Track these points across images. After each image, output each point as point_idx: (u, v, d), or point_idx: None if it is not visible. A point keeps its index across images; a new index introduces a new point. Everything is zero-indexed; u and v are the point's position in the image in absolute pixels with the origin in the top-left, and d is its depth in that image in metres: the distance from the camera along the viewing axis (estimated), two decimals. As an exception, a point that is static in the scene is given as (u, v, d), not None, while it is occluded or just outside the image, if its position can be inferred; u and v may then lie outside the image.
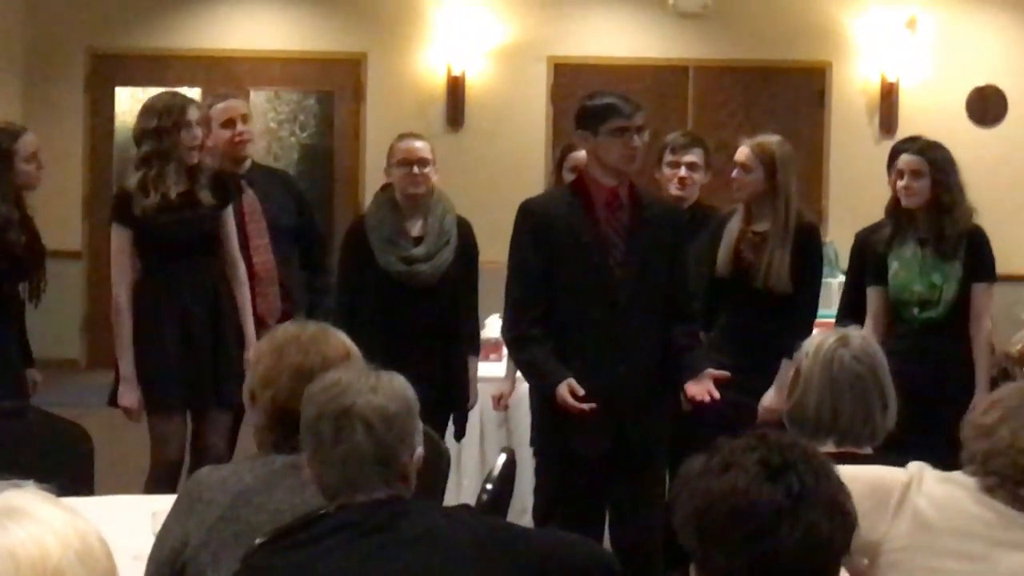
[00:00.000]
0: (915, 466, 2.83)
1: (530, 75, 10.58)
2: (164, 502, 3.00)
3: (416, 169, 5.21)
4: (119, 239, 5.12)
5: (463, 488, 5.75)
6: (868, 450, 3.16)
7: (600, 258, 4.46)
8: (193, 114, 5.14)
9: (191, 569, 2.71)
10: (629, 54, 10.58)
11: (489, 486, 3.91)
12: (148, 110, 5.15)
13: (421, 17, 10.55)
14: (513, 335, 4.60)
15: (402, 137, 5.35)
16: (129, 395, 5.09)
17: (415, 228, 5.25)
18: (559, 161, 5.80)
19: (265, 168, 6.13)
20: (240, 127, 5.54)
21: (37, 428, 4.32)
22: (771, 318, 5.01)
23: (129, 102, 10.57)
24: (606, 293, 4.46)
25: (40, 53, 10.65)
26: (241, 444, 5.37)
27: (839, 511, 1.96)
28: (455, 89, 10.54)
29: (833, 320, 5.40)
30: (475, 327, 5.52)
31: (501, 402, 5.75)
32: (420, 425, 2.59)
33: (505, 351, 5.40)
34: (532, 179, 9.47)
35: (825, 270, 5.72)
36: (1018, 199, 10.22)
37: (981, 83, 10.53)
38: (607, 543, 4.53)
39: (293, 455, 2.68)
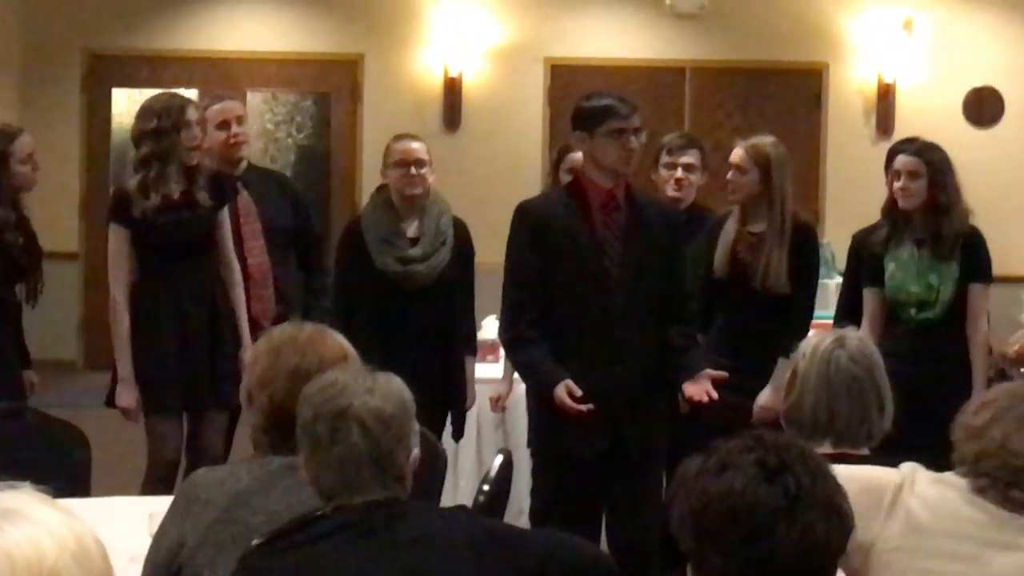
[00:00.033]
0: (907, 467, 2.83)
1: (527, 76, 10.58)
2: (161, 503, 3.00)
3: (413, 170, 5.21)
4: (117, 239, 5.12)
5: (460, 489, 5.75)
6: (865, 451, 3.16)
7: (596, 259, 4.46)
8: (192, 114, 5.14)
9: (188, 570, 2.71)
10: (626, 55, 10.59)
11: (486, 487, 3.91)
12: (147, 111, 5.15)
13: (418, 18, 10.55)
14: (510, 336, 4.60)
15: (398, 138, 5.35)
16: (127, 395, 5.09)
17: (411, 229, 5.26)
18: (556, 162, 5.80)
19: (261, 170, 6.13)
20: (235, 129, 5.54)
21: (34, 429, 4.32)
22: (769, 319, 5.02)
23: (126, 103, 10.57)
24: (603, 294, 4.46)
25: (37, 54, 10.64)
26: (237, 444, 5.37)
27: (836, 512, 1.96)
28: (452, 90, 10.54)
29: (830, 321, 5.41)
30: (472, 327, 5.52)
31: (499, 404, 5.76)
32: (416, 426, 2.59)
33: (502, 352, 5.40)
34: (529, 180, 9.48)
35: (822, 271, 5.73)
36: (1015, 200, 10.23)
37: (978, 84, 10.54)
38: (604, 544, 4.53)
39: (290, 456, 2.68)
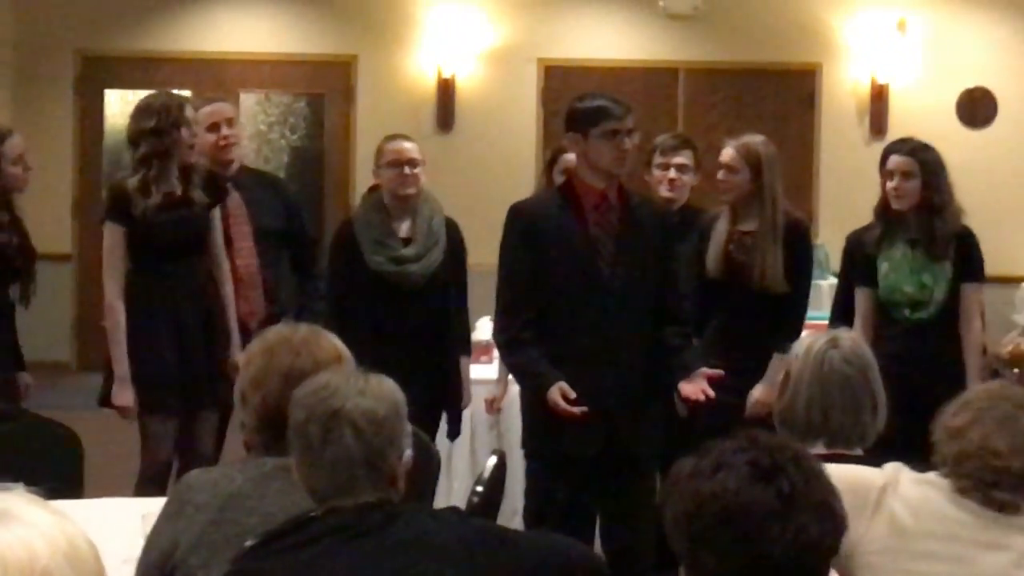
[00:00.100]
0: (891, 467, 2.84)
1: (520, 77, 10.58)
2: (154, 505, 3.00)
3: (407, 170, 5.22)
4: (112, 237, 5.11)
5: (454, 490, 5.75)
6: (858, 451, 3.16)
7: (589, 260, 4.46)
8: (189, 112, 5.15)
9: (181, 572, 2.70)
10: (619, 56, 10.59)
11: (479, 488, 3.91)
12: (144, 110, 5.14)
13: (411, 19, 10.55)
14: (504, 338, 4.60)
15: (390, 138, 5.36)
16: (125, 394, 5.07)
17: (403, 229, 5.26)
18: (549, 163, 5.80)
19: (254, 172, 6.12)
20: (225, 131, 5.53)
21: (27, 431, 4.31)
22: (764, 318, 5.02)
23: (119, 104, 10.57)
24: (596, 295, 4.46)
25: (29, 56, 10.63)
26: (228, 445, 5.38)
27: (829, 513, 1.96)
28: (445, 91, 10.54)
29: (822, 322, 5.41)
30: (466, 327, 5.53)
31: (494, 405, 5.76)
32: (409, 428, 2.58)
33: (496, 353, 5.40)
34: (522, 181, 9.48)
35: (815, 272, 5.74)
36: (1008, 201, 10.24)
37: (971, 85, 10.55)
38: (598, 546, 4.53)
39: (284, 457, 2.67)
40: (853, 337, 3.37)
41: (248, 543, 2.49)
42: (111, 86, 10.72)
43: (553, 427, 4.38)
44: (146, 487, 5.01)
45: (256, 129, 10.77)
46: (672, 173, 5.46)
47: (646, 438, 4.54)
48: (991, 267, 5.39)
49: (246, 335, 5.12)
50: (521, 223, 4.53)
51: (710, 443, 2.02)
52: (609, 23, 10.62)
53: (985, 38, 10.56)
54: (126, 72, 10.61)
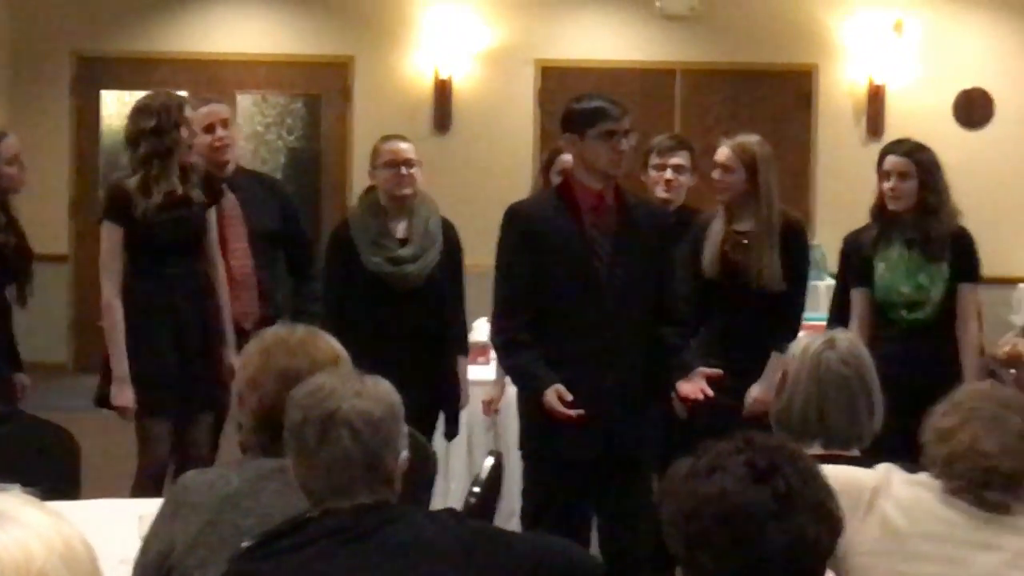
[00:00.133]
0: (883, 468, 2.85)
1: (517, 78, 10.58)
2: (151, 506, 3.00)
3: (404, 170, 5.22)
4: (111, 236, 5.10)
5: (451, 491, 5.75)
6: (855, 452, 3.16)
7: (586, 261, 4.46)
8: (188, 112, 5.16)
9: (177, 573, 2.70)
10: (616, 57, 10.59)
11: (476, 489, 3.90)
12: (143, 109, 5.13)
13: (408, 20, 10.55)
14: (501, 339, 4.59)
15: (386, 139, 5.36)
16: (125, 394, 5.05)
17: (399, 230, 5.26)
18: (545, 164, 5.78)
19: (250, 173, 6.11)
20: (220, 132, 5.52)
21: (23, 432, 4.31)
22: (762, 318, 5.03)
23: (115, 105, 10.57)
24: (593, 296, 4.45)
25: (25, 57, 10.62)
26: (224, 446, 5.38)
27: (826, 513, 1.96)
28: (442, 92, 10.54)
29: (819, 323, 5.41)
30: (463, 327, 5.53)
31: (491, 407, 5.76)
32: (405, 429, 2.58)
33: (493, 355, 5.40)
34: (520, 182, 9.44)
35: (812, 273, 5.74)
36: (1005, 201, 10.25)
37: (968, 86, 10.56)
38: (596, 548, 4.53)
39: (280, 458, 2.67)
40: (850, 338, 3.37)
41: (244, 544, 2.49)
42: (107, 87, 10.72)
43: (550, 429, 4.38)
44: (143, 488, 5.00)
45: (253, 130, 10.77)
46: (668, 174, 5.46)
47: (644, 439, 4.54)
48: (988, 268, 5.39)
49: (240, 336, 5.13)
50: (518, 224, 4.53)
51: (707, 444, 2.02)
52: (606, 24, 10.62)
53: (982, 39, 10.57)
54: (123, 73, 10.60)
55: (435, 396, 5.27)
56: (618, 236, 4.49)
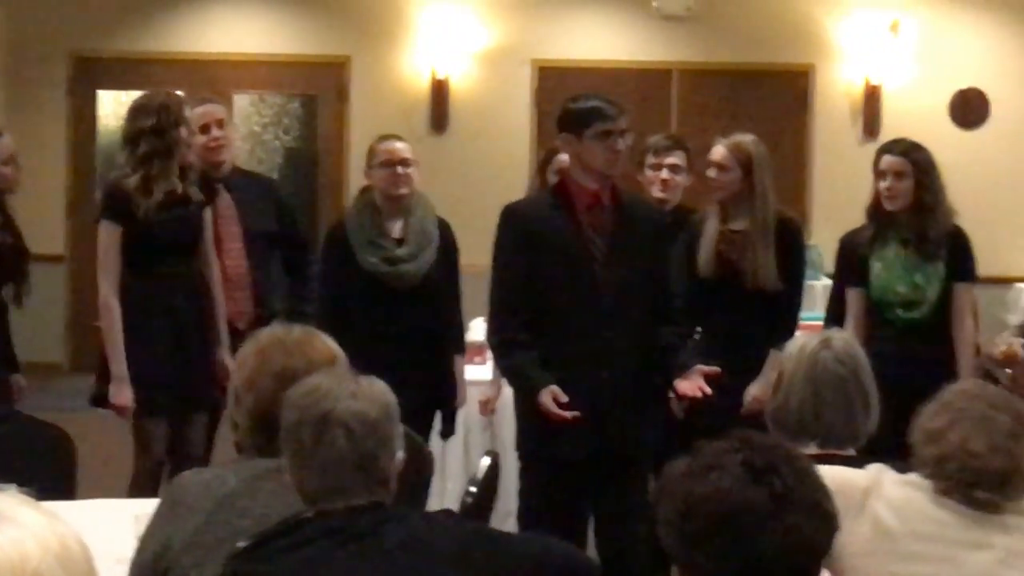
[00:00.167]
0: (874, 468, 2.85)
1: (514, 78, 10.58)
2: (147, 506, 3.00)
3: (399, 170, 5.22)
4: (109, 236, 5.09)
5: (447, 491, 5.75)
6: (851, 452, 3.17)
7: (582, 261, 4.46)
8: (187, 111, 5.16)
9: (174, 573, 2.70)
10: (613, 57, 10.59)
11: (473, 489, 3.90)
12: (142, 109, 5.13)
13: (405, 20, 10.55)
14: (497, 340, 4.59)
15: (382, 139, 5.36)
16: (124, 393, 5.04)
17: (396, 229, 5.26)
18: (542, 164, 5.79)
19: (246, 173, 6.11)
20: (215, 132, 5.52)
21: (20, 432, 4.31)
22: (758, 317, 5.03)
23: (112, 105, 10.56)
24: (589, 295, 4.45)
25: (22, 57, 10.62)
26: (218, 446, 5.38)
27: (821, 513, 1.96)
28: (439, 92, 10.54)
29: (816, 323, 5.41)
30: (459, 326, 5.53)
31: (488, 406, 5.76)
32: (400, 429, 2.58)
33: (490, 355, 5.40)
34: (516, 182, 9.44)
35: (808, 273, 5.74)
36: (1000, 201, 10.26)
37: (964, 86, 10.57)
38: (591, 548, 4.53)
39: (277, 458, 2.67)
40: (846, 337, 3.38)
41: (240, 544, 2.49)
42: (104, 87, 10.71)
43: (547, 429, 4.38)
44: (139, 488, 5.00)
45: (250, 130, 10.77)
46: (665, 174, 5.47)
47: (641, 439, 4.54)
48: (984, 268, 5.39)
49: (234, 336, 5.13)
50: (514, 224, 4.53)
51: (703, 443, 2.02)
52: (603, 24, 10.62)
53: (978, 39, 10.58)
54: (119, 73, 10.59)
55: (432, 396, 5.27)
56: (614, 236, 4.50)
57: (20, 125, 9.15)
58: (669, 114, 10.56)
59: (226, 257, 5.42)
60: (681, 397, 4.49)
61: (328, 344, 2.92)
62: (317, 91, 10.81)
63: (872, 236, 5.21)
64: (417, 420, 4.63)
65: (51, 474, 4.03)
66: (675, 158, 5.48)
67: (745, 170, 5.08)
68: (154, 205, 5.02)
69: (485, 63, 10.57)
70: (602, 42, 10.61)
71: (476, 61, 10.56)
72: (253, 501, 2.71)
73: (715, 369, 4.49)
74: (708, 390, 4.40)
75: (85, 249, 8.31)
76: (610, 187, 4.54)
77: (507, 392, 5.38)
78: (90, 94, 10.72)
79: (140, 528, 2.87)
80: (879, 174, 5.20)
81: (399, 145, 5.27)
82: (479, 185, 10.07)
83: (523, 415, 4.61)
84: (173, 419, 5.15)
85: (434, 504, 4.84)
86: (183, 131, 5.08)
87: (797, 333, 4.67)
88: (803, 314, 5.36)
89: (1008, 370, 5.11)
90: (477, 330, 6.17)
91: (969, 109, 10.57)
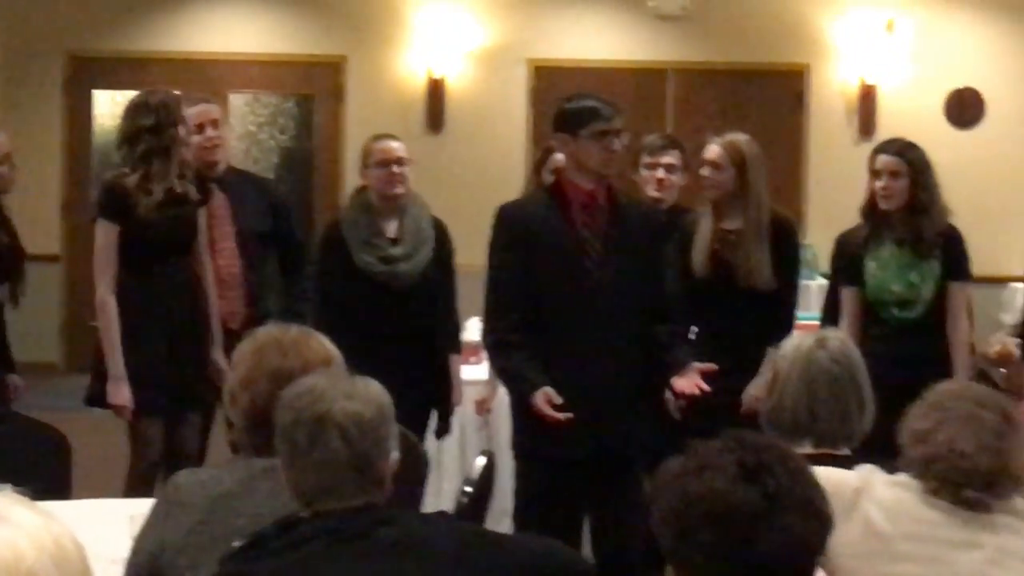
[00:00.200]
0: (864, 469, 2.85)
1: (510, 78, 10.58)
2: (142, 506, 2.99)
3: (395, 169, 5.22)
4: (106, 235, 5.08)
5: (443, 491, 5.74)
6: (846, 451, 3.17)
7: (577, 260, 4.46)
8: (184, 110, 5.16)
9: (169, 573, 2.70)
10: (608, 56, 10.59)
11: (468, 488, 3.91)
12: (140, 107, 5.12)
13: (401, 20, 10.54)
14: (492, 340, 4.59)
15: (377, 138, 5.36)
16: (121, 393, 5.03)
17: (391, 229, 5.26)
18: (538, 163, 5.79)
19: (241, 173, 6.10)
20: (210, 132, 5.51)
21: (15, 432, 4.31)
22: (753, 317, 5.03)
23: (107, 105, 10.56)
24: (584, 295, 4.45)
25: (17, 57, 10.61)
26: (213, 446, 5.38)
27: (815, 512, 1.97)
28: (435, 92, 10.54)
29: (812, 322, 5.42)
30: (455, 326, 5.53)
31: (483, 406, 5.76)
32: (395, 430, 2.58)
33: (485, 354, 5.40)
34: (512, 182, 9.46)
35: (803, 272, 5.75)
36: (996, 201, 10.27)
37: (959, 85, 10.57)
38: (588, 549, 4.53)
39: (273, 458, 2.67)
40: (841, 337, 3.38)
41: (235, 544, 2.49)
42: (99, 87, 10.71)
43: (542, 429, 4.37)
44: (134, 488, 5.00)
45: (245, 130, 10.77)
46: (660, 173, 5.47)
47: (636, 439, 4.53)
48: (979, 267, 5.40)
49: (227, 336, 5.13)
50: (509, 224, 4.53)
51: (697, 443, 2.02)
52: (598, 24, 10.63)
53: (973, 39, 10.59)
54: (115, 73, 10.59)
55: (427, 395, 5.27)
56: (609, 236, 4.50)
57: (16, 124, 9.14)
58: (664, 114, 10.56)
59: (219, 257, 5.42)
60: (678, 395, 4.49)
61: (324, 344, 2.91)
62: (313, 91, 10.81)
63: (867, 236, 5.22)
64: (413, 419, 4.64)
65: (46, 474, 4.03)
66: (670, 158, 5.49)
67: (739, 169, 5.09)
68: (153, 204, 5.02)
69: (481, 63, 10.57)
70: (598, 42, 10.61)
71: (472, 61, 10.57)
72: (248, 501, 2.71)
73: (712, 366, 4.49)
74: (705, 387, 4.40)
75: (81, 249, 8.32)
76: (606, 187, 4.54)
77: (503, 392, 5.38)
78: (86, 94, 10.72)
79: (135, 528, 2.87)
80: (874, 174, 5.21)
81: (394, 144, 5.28)
82: (475, 184, 10.07)
83: (519, 415, 4.61)
84: (168, 419, 5.15)
85: (430, 504, 4.84)
86: (181, 130, 5.09)
87: (794, 333, 4.68)
88: (799, 314, 5.37)
89: (1003, 369, 5.12)
90: (473, 329, 6.17)
91: (964, 109, 10.57)
